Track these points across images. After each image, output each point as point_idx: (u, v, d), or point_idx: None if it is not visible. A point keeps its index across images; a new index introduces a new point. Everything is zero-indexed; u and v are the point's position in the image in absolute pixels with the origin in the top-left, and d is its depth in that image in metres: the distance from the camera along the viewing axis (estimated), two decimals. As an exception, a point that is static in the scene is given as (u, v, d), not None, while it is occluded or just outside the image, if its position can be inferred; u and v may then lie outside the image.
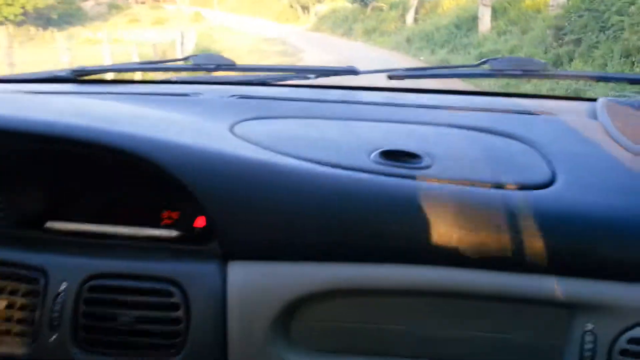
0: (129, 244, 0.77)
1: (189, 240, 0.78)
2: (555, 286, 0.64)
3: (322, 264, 0.68)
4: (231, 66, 1.12)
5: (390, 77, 1.04)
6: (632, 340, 0.64)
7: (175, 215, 0.84)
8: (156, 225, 0.82)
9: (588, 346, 0.65)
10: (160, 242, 0.78)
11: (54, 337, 0.69)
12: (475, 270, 0.66)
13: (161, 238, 0.78)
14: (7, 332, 0.72)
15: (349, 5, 22.80)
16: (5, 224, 0.83)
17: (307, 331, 0.70)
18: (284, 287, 0.68)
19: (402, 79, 1.04)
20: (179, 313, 0.69)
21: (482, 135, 0.84)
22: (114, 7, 39.53)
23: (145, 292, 0.70)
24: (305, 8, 31.74)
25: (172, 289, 0.70)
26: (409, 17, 17.10)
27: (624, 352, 0.64)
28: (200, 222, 0.81)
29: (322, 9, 27.74)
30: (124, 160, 0.73)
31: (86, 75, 1.17)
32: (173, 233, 0.78)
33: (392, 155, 0.74)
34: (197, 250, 0.75)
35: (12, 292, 0.72)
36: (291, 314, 0.70)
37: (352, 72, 1.07)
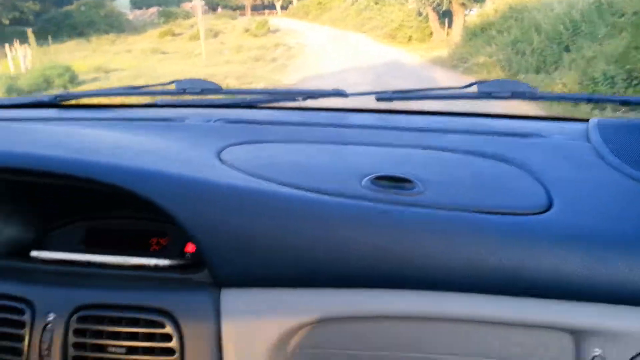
0: (117, 274, 0.75)
1: (179, 268, 0.76)
2: (559, 311, 0.64)
3: (318, 291, 0.67)
4: (216, 90, 1.11)
5: (379, 99, 1.01)
6: None
7: (164, 241, 0.82)
8: (145, 251, 0.80)
9: None
10: (149, 271, 0.75)
11: None
12: (474, 295, 0.64)
13: (150, 267, 0.75)
14: None
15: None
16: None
17: (311, 358, 0.69)
18: (279, 315, 0.67)
19: (391, 101, 1.01)
20: (172, 343, 0.67)
21: (474, 158, 0.82)
22: (164, 15, 27.47)
23: (138, 322, 0.68)
24: (446, 15, 15.76)
25: (164, 319, 0.68)
26: None
27: None
28: (190, 247, 0.78)
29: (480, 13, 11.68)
30: (108, 190, 0.71)
31: (69, 100, 1.16)
32: (162, 262, 0.76)
33: (384, 181, 0.72)
34: (188, 279, 0.73)
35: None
36: (288, 342, 0.68)
37: (340, 94, 1.04)
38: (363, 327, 0.67)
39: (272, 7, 41.66)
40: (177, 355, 0.67)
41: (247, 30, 21.68)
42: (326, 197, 0.68)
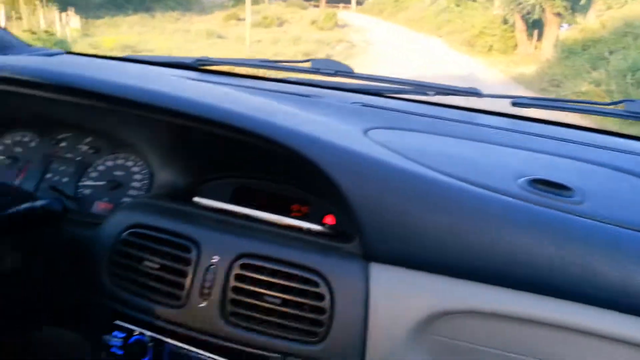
0: (272, 230, 0.78)
1: (328, 236, 0.77)
2: None
3: (467, 283, 0.66)
4: (349, 73, 1.11)
5: (514, 104, 0.99)
6: None
7: (305, 209, 0.84)
8: (287, 215, 0.82)
9: None
10: (302, 233, 0.77)
11: (203, 304, 0.71)
12: (620, 314, 0.62)
13: (303, 229, 0.78)
14: (159, 291, 0.74)
15: None
16: (157, 196, 0.88)
17: (445, 347, 0.68)
18: (426, 298, 0.66)
19: (527, 107, 0.99)
20: (324, 303, 0.68)
21: (628, 176, 0.79)
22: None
23: (293, 277, 0.70)
24: (535, 26, 13.76)
25: (318, 279, 0.69)
26: None
27: None
28: (330, 219, 0.80)
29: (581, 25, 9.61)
30: (265, 150, 0.73)
31: (208, 65, 1.20)
32: (315, 226, 0.78)
33: (541, 185, 0.70)
34: (338, 247, 0.74)
35: (165, 256, 0.74)
36: (430, 326, 0.67)
37: (475, 93, 1.02)
38: (505, 326, 0.65)
39: (347, 0, 40.08)
40: (326, 315, 0.68)
41: (314, 22, 20.35)
42: (489, 193, 0.66)
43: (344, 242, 0.73)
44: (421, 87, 1.07)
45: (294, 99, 0.98)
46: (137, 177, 0.94)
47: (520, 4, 13.04)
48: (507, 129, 0.95)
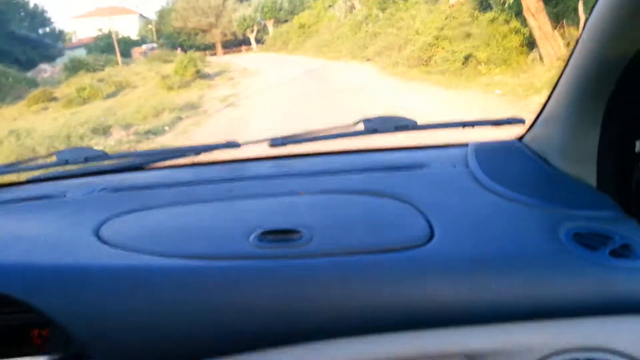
0: None
1: None
2: (453, 338, 0.64)
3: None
4: (102, 157, 1.01)
5: (272, 145, 0.99)
6: None
7: (45, 332, 0.76)
8: (27, 346, 0.75)
9: None
10: None
11: None
12: (373, 336, 0.64)
13: None
14: None
15: None
16: None
17: None
18: None
19: (284, 145, 0.98)
20: None
21: (361, 198, 0.83)
22: (71, 68, 18.49)
23: None
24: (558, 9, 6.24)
25: None
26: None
27: None
28: None
29: None
30: None
31: None
32: (42, 357, 0.72)
33: (271, 235, 0.71)
34: None
35: None
36: None
37: (233, 145, 1.01)
38: None
39: (248, 42, 32.92)
40: None
41: (164, 78, 12.58)
42: (212, 262, 0.65)
43: None
44: (181, 152, 1.02)
45: (30, 205, 0.89)
46: None
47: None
48: (264, 176, 0.96)
